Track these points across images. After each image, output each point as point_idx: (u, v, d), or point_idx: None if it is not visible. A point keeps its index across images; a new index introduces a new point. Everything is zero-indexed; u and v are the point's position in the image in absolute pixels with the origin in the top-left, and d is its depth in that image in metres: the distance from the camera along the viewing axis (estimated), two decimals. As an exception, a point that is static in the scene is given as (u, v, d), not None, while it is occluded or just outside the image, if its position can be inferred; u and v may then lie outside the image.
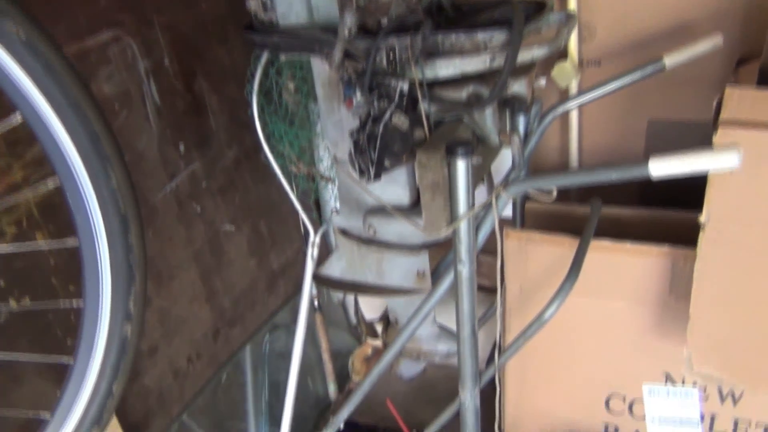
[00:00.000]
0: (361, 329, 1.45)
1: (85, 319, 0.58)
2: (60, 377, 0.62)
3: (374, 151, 1.03)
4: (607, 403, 1.28)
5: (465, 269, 0.94)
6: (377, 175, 1.06)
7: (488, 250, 1.09)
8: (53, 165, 0.55)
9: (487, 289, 1.61)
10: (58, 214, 0.95)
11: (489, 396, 1.20)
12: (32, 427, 0.64)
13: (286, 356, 1.56)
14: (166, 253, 1.19)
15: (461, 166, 0.89)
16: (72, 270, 0.97)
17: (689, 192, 1.26)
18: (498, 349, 1.13)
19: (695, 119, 1.35)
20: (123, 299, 0.57)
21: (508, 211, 1.13)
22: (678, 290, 1.10)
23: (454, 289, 1.33)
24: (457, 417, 1.64)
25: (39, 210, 0.92)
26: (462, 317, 0.99)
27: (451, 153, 0.89)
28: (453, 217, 0.92)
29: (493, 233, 1.11)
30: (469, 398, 1.07)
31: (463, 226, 0.92)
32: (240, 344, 1.45)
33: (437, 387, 1.85)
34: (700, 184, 1.09)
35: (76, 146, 0.51)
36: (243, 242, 1.43)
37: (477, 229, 0.99)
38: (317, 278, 1.39)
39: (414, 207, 1.22)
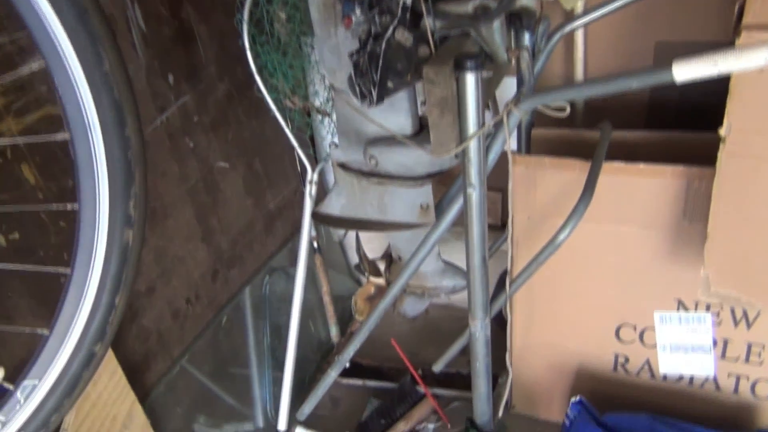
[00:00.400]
0: (364, 267, 1.42)
1: (81, 225, 0.53)
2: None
3: (376, 72, 0.99)
4: (617, 332, 1.27)
5: (475, 193, 0.91)
6: (380, 98, 1.02)
7: (488, 185, 1.06)
8: (38, 45, 0.49)
9: (489, 227, 1.59)
10: (44, 145, 0.90)
11: (493, 333, 1.18)
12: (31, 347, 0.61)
13: (287, 299, 1.54)
14: (160, 189, 1.16)
15: (470, 80, 0.85)
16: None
17: (697, 115, 1.23)
18: (508, 277, 1.11)
19: (704, 40, 1.31)
20: (122, 202, 0.53)
21: (511, 144, 1.09)
22: (693, 212, 1.08)
23: (461, 221, 1.30)
24: (464, 354, 1.64)
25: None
26: (472, 244, 0.96)
27: (459, 67, 0.85)
28: (462, 136, 0.88)
29: (501, 159, 1.08)
30: (479, 329, 1.05)
31: (473, 146, 0.88)
32: (239, 286, 1.42)
33: (441, 327, 1.84)
34: (710, 103, 1.05)
35: (62, 23, 0.46)
36: (238, 181, 1.39)
37: (486, 150, 0.95)
38: (316, 216, 1.36)
39: (417, 136, 1.18)
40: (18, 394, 0.61)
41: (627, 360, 1.30)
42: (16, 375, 0.61)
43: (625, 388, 1.32)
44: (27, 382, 0.59)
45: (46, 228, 0.91)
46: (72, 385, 0.59)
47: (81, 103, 0.49)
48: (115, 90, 0.50)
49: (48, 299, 0.88)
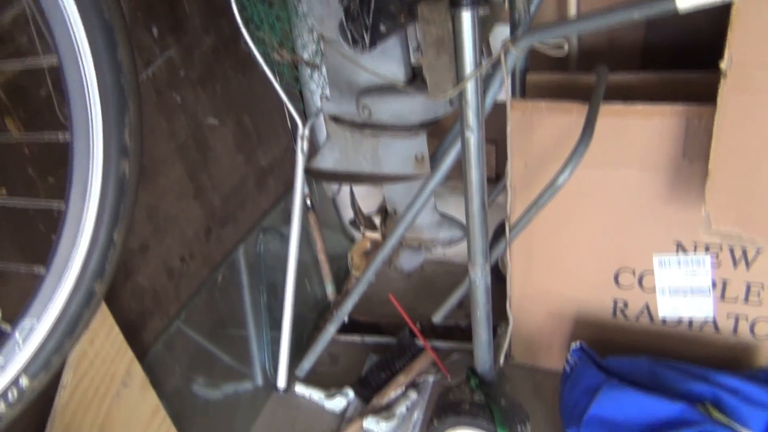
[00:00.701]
0: (359, 222, 1.41)
1: (74, 156, 0.51)
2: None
3: (368, 16, 0.96)
4: (616, 278, 1.27)
5: (473, 136, 0.90)
6: (372, 43, 1.00)
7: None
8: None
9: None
10: (28, 99, 0.87)
11: (491, 285, 1.18)
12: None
13: (282, 258, 1.53)
14: (149, 146, 1.13)
15: (467, 17, 0.82)
16: (50, 163, 0.91)
17: (692, 57, 1.21)
18: (507, 224, 1.10)
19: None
20: (117, 130, 0.51)
21: (503, 95, 1.08)
22: (692, 152, 1.07)
23: (456, 174, 1.29)
24: (461, 307, 1.65)
25: (7, 93, 0.85)
26: (471, 190, 0.95)
27: (455, 4, 0.82)
28: (459, 78, 0.87)
29: (494, 109, 1.06)
30: (479, 276, 1.05)
31: (471, 87, 0.86)
32: (233, 245, 1.41)
33: (437, 283, 1.84)
34: (704, 45, 1.04)
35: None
36: (228, 137, 1.37)
37: (484, 93, 0.94)
38: (310, 172, 1.35)
39: (410, 84, 1.17)
40: (16, 334, 0.59)
41: (626, 305, 1.30)
42: (13, 319, 0.60)
43: (625, 333, 1.33)
44: (25, 322, 0.57)
45: (33, 184, 0.89)
46: (72, 325, 0.57)
47: (69, 24, 0.46)
48: (104, 10, 0.47)
49: (39, 246, 0.87)
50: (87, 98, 0.49)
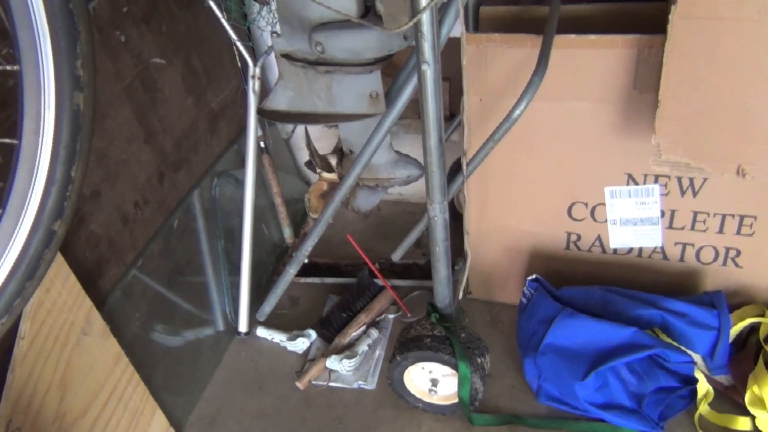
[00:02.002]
0: (315, 163, 1.41)
1: (25, 89, 0.49)
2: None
3: (318, -55, 0.94)
4: (569, 211, 1.31)
5: (429, 69, 0.90)
6: (324, -25, 0.98)
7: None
8: None
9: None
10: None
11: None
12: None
13: (238, 202, 1.52)
14: (94, 88, 1.10)
15: (421, -54, 0.81)
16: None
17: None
18: (463, 160, 1.12)
19: None
20: (68, 60, 0.49)
21: (456, 31, 1.07)
22: (643, 82, 1.09)
23: (409, 114, 1.29)
24: (419, 246, 1.67)
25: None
26: (428, 125, 0.96)
27: (408, -68, 0.81)
28: (415, 9, 0.86)
29: (446, 46, 1.06)
30: (438, 212, 1.06)
31: (426, 19, 0.86)
32: (188, 189, 1.40)
33: (394, 223, 1.86)
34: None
35: None
36: (177, 78, 1.33)
37: (440, 24, 0.94)
38: (262, 113, 1.33)
39: (363, 17, 1.15)
40: (-26, 279, 0.58)
41: (579, 237, 1.34)
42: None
43: (578, 265, 1.38)
44: (-17, 266, 0.56)
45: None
46: (33, 268, 0.56)
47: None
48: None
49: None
50: (34, 24, 0.47)
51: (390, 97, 1.37)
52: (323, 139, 1.79)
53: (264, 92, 1.43)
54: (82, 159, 0.55)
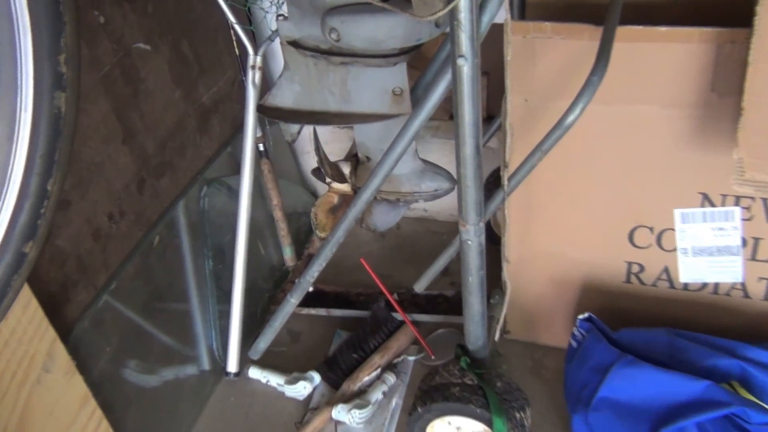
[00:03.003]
0: (325, 171, 1.42)
1: None
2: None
3: None
4: (631, 236, 1.31)
5: (467, 64, 0.91)
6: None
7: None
8: None
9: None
10: None
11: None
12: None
13: (230, 216, 1.54)
14: (66, 78, 1.12)
15: None
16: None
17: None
18: (503, 173, 1.12)
19: None
20: (50, 55, 0.50)
21: (499, 17, 1.09)
22: (722, 84, 1.10)
23: (439, 114, 1.30)
24: (446, 274, 1.68)
25: None
26: (463, 130, 0.97)
27: None
28: (450, -6, 0.87)
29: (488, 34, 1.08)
30: (472, 234, 1.07)
31: (464, 4, 0.87)
32: (171, 199, 1.42)
33: (417, 245, 1.87)
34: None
35: None
36: (163, 67, 1.36)
37: (480, 11, 0.95)
38: (263, 110, 1.34)
39: (386, 1, 1.17)
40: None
41: (642, 268, 1.34)
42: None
43: (640, 302, 1.38)
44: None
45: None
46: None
47: None
48: None
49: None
50: (13, 13, 0.47)
51: (417, 94, 1.38)
52: (334, 142, 1.81)
53: (265, 86, 1.45)
54: (60, 170, 0.56)
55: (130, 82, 1.27)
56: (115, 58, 1.23)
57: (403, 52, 1.19)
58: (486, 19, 0.99)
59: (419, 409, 1.24)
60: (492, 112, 1.68)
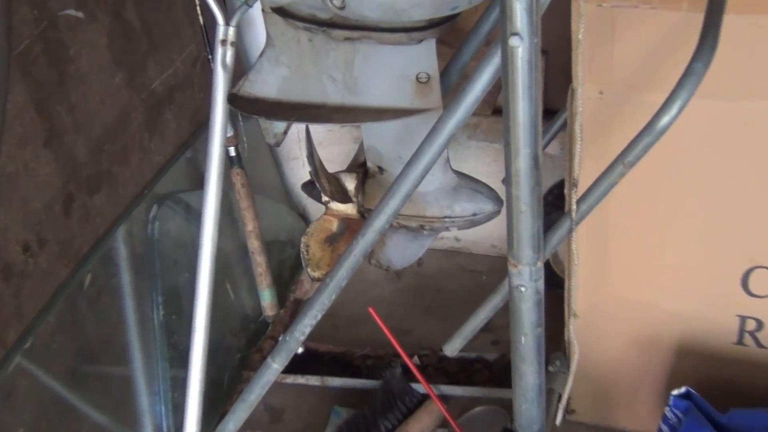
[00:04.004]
0: (321, 186, 1.42)
1: None
2: None
3: None
4: (744, 281, 1.31)
5: (523, 45, 0.91)
6: None
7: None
8: None
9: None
10: None
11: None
12: None
13: (189, 246, 1.54)
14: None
15: None
16: None
17: None
18: (570, 192, 1.13)
19: None
20: None
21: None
22: None
23: (489, 98, 1.30)
24: (487, 329, 1.68)
25: None
26: (515, 134, 0.97)
27: None
28: (501, -51, 0.88)
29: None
30: (527, 278, 1.07)
31: (519, -36, 0.88)
32: (109, 223, 1.43)
33: (445, 287, 1.87)
34: None
35: None
36: (100, 42, 1.37)
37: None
38: (236, 102, 1.36)
39: (411, -45, 1.18)
40: None
41: (760, 325, 1.34)
42: None
43: (757, 371, 1.37)
44: None
45: None
46: None
47: None
48: None
49: None
50: None
51: (449, 82, 1.39)
52: (333, 145, 1.81)
53: (240, 68, 1.45)
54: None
55: (56, 62, 1.28)
56: (35, 29, 1.24)
57: (432, 25, 1.19)
58: (548, -14, 1.00)
59: None
60: (552, 105, 1.67)
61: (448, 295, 1.85)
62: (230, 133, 1.57)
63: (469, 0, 1.17)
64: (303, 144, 1.47)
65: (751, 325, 1.35)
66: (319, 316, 1.36)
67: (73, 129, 1.33)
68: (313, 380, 1.69)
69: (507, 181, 1.01)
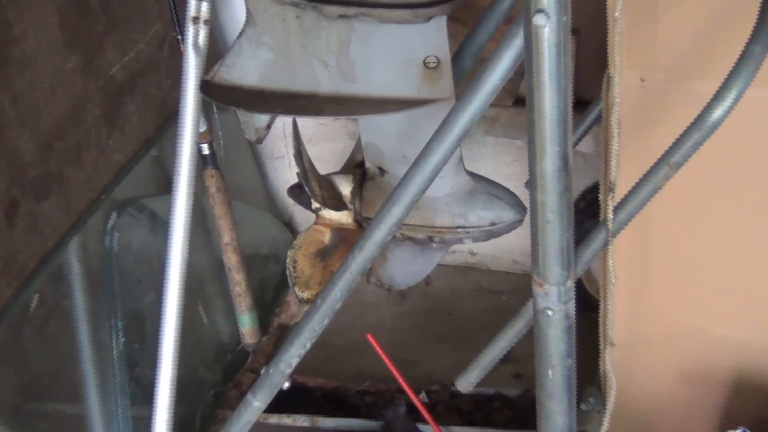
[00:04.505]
0: (310, 189, 1.42)
1: None
2: None
3: None
4: (817, 304, 1.32)
5: (550, 24, 0.91)
6: None
7: None
8: None
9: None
10: None
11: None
12: None
13: (154, 261, 1.54)
14: None
15: None
16: None
17: None
18: (605, 198, 1.13)
19: None
20: None
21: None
22: None
23: (510, 86, 1.31)
24: (507, 361, 1.68)
25: None
26: (541, 129, 0.97)
27: None
28: None
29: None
30: (555, 300, 1.07)
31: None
32: (60, 234, 1.43)
33: (458, 309, 1.88)
34: None
35: None
36: (50, 19, 1.38)
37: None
38: (211, 90, 1.36)
39: None
40: None
41: None
42: None
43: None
44: None
45: None
46: None
47: None
48: None
49: None
50: None
51: (462, 66, 1.39)
52: (325, 142, 1.82)
53: (215, 51, 1.46)
54: None
55: (-5, 43, 1.29)
56: (-30, 4, 1.25)
57: (442, 1, 1.20)
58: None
59: None
60: (585, 95, 1.68)
61: (461, 319, 1.85)
62: (203, 128, 1.58)
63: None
64: (289, 141, 1.46)
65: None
66: (309, 345, 1.36)
67: (18, 122, 1.33)
68: (302, 421, 1.68)
69: (531, 184, 1.01)
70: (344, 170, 1.46)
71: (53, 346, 1.42)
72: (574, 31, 1.65)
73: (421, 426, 1.60)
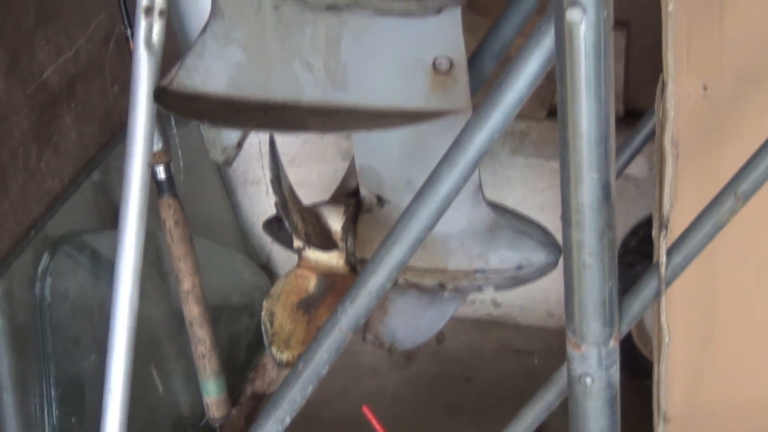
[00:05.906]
0: (291, 221, 1.43)
1: None
2: None
3: None
4: None
5: (587, 20, 0.93)
6: None
7: None
8: None
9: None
10: None
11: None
12: None
13: (96, 313, 1.55)
14: None
15: None
16: None
17: None
18: (659, 236, 1.14)
19: None
20: None
21: None
22: None
23: (542, 93, 1.33)
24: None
25: None
26: (577, 154, 0.98)
27: None
28: None
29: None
30: (594, 364, 1.08)
31: None
32: (-22, 280, 1.43)
33: (477, 374, 1.88)
34: None
35: None
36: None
37: None
38: (168, 99, 1.37)
39: None
40: None
41: None
42: None
43: None
44: None
45: None
46: None
47: None
48: None
49: None
50: None
51: (482, 70, 1.40)
52: (310, 163, 1.83)
53: (172, 50, 1.47)
54: None
55: None
56: None
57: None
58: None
59: None
60: (636, 105, 1.69)
61: (481, 386, 1.86)
62: (158, 146, 1.59)
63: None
64: (266, 162, 1.47)
65: None
66: (288, 420, 1.37)
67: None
68: None
69: (564, 219, 1.02)
70: (334, 199, 1.47)
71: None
72: (624, 24, 1.66)
73: None
